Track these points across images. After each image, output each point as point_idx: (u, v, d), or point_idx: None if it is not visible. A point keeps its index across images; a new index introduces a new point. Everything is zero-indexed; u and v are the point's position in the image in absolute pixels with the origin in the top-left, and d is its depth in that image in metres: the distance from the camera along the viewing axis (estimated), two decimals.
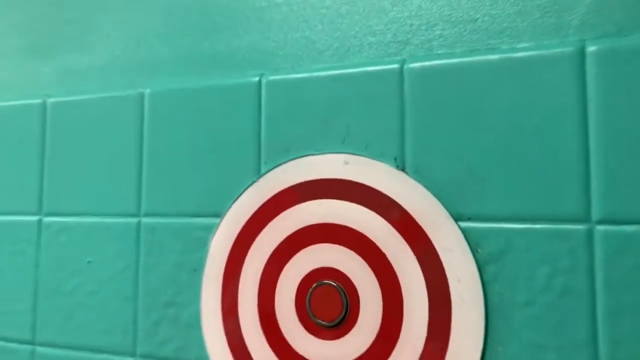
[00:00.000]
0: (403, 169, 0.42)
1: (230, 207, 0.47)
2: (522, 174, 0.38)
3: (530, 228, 0.38)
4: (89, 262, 0.53)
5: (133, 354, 0.50)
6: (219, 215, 0.47)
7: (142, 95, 0.52)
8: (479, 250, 0.39)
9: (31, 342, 0.55)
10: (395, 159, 0.42)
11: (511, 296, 0.38)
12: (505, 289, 0.38)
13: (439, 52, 0.42)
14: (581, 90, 0.37)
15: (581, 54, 0.37)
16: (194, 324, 0.47)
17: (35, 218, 0.56)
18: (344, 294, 0.42)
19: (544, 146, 0.38)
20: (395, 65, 0.42)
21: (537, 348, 0.37)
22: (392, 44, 0.44)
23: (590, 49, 0.37)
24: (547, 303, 0.37)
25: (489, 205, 0.39)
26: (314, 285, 0.43)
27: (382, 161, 0.42)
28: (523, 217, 0.38)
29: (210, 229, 0.48)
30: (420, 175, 0.41)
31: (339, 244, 0.43)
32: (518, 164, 0.38)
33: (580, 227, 0.36)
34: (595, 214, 0.36)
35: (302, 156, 0.45)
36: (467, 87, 0.40)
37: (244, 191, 0.47)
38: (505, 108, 0.39)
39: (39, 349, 0.54)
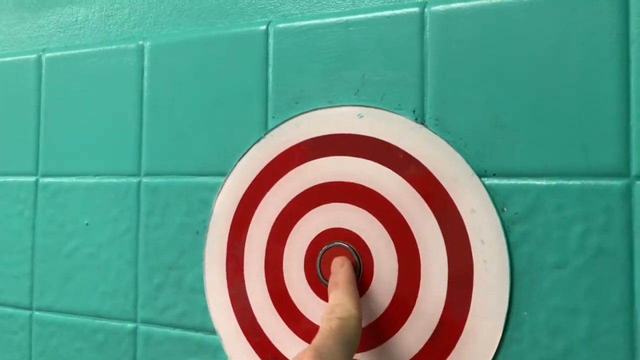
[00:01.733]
0: (422, 122, 0.38)
1: (236, 165, 0.44)
2: (554, 125, 0.35)
3: (562, 184, 0.34)
4: (87, 224, 0.50)
5: (134, 319, 0.48)
6: (224, 174, 0.44)
7: (141, 48, 0.49)
8: (505, 209, 0.36)
9: (29, 307, 0.53)
10: (413, 111, 0.38)
11: (540, 258, 0.35)
12: (533, 251, 0.35)
13: None
14: (623, 29, 0.33)
15: None
16: (198, 289, 0.45)
17: (32, 179, 0.54)
18: (357, 255, 0.39)
19: (579, 94, 0.34)
20: (416, 9, 0.39)
21: (568, 313, 0.34)
22: None
23: None
24: (580, 265, 0.34)
25: (517, 161, 0.36)
26: (324, 247, 0.40)
27: (399, 114, 0.39)
28: (554, 173, 0.35)
29: (215, 189, 0.45)
30: (441, 129, 0.38)
31: (352, 204, 0.40)
32: (549, 114, 0.35)
33: (617, 182, 0.33)
34: (635, 168, 0.33)
35: (312, 110, 0.42)
36: (494, 31, 0.37)
37: (250, 148, 0.44)
38: (536, 53, 0.36)
39: (37, 313, 0.52)
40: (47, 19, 0.56)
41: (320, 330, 0.32)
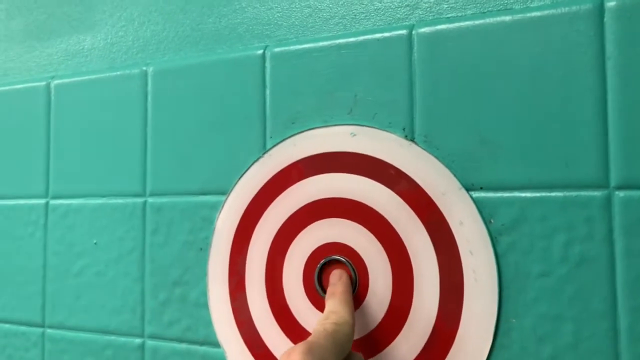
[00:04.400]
0: (412, 139, 0.40)
1: (236, 183, 0.46)
2: (536, 140, 0.36)
3: (545, 196, 0.36)
4: (95, 243, 0.52)
5: (141, 335, 0.49)
6: (225, 192, 0.46)
7: (145, 73, 0.51)
8: (492, 220, 0.37)
9: (41, 325, 0.55)
10: (404, 129, 0.40)
11: (526, 267, 0.36)
12: (519, 260, 0.36)
13: (449, 15, 0.40)
14: (599, 49, 0.35)
15: (599, 9, 0.35)
16: (202, 304, 0.47)
17: (42, 201, 0.56)
18: (353, 268, 0.41)
19: (560, 110, 0.36)
20: (404, 31, 0.41)
21: (553, 319, 0.35)
22: (399, 8, 0.42)
23: (610, 4, 0.35)
24: (564, 273, 0.35)
25: (502, 174, 0.37)
26: (322, 261, 0.42)
27: (390, 131, 0.41)
28: (538, 185, 0.36)
29: (217, 207, 0.47)
30: (430, 145, 0.39)
31: (347, 219, 0.42)
32: (532, 130, 0.37)
33: (598, 193, 0.35)
34: (614, 179, 0.34)
35: (308, 129, 0.44)
36: (478, 51, 0.38)
37: (249, 167, 0.46)
38: (518, 72, 0.37)
39: (49, 331, 0.54)
40: (55, 47, 0.58)
41: (314, 330, 0.33)
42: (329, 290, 0.40)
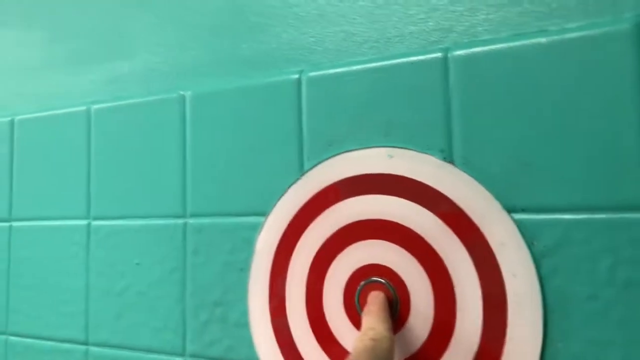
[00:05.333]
0: (451, 161, 0.40)
1: (275, 205, 0.47)
2: (579, 161, 0.36)
3: (589, 218, 0.36)
4: (137, 263, 0.54)
5: (182, 354, 0.50)
6: (264, 213, 0.47)
7: (183, 98, 0.52)
8: (535, 243, 0.37)
9: (85, 343, 0.56)
10: (442, 151, 0.40)
11: (571, 290, 0.36)
12: (564, 283, 0.36)
13: (484, 38, 0.41)
14: (637, 68, 0.35)
15: (638, 28, 0.35)
16: (243, 324, 0.47)
17: (84, 222, 0.57)
18: (394, 291, 0.41)
19: (601, 131, 0.36)
20: (439, 54, 0.41)
21: (601, 344, 0.35)
22: (434, 32, 0.42)
23: None
24: (611, 297, 0.35)
25: (544, 196, 0.37)
26: (362, 283, 0.42)
27: (428, 153, 0.41)
28: (581, 207, 0.36)
29: (256, 228, 0.47)
30: (469, 167, 0.40)
31: (386, 240, 0.42)
32: (574, 151, 0.36)
33: None
34: None
35: (344, 151, 0.44)
36: (515, 73, 0.38)
37: (287, 189, 0.46)
38: (557, 93, 0.37)
39: (92, 348, 0.56)
40: (94, 73, 0.60)
41: (354, 348, 0.34)
42: (365, 309, 0.40)
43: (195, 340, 0.50)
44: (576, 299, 0.36)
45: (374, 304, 0.40)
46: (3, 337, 0.62)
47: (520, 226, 0.38)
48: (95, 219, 0.57)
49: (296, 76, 0.47)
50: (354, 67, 0.44)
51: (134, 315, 0.53)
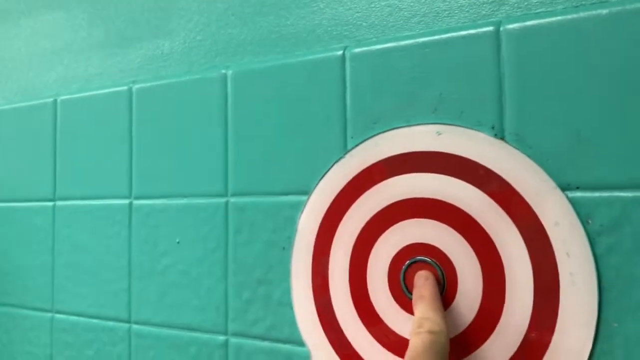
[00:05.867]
0: (502, 138, 0.39)
1: (318, 184, 0.46)
2: (636, 137, 0.35)
3: None
4: (178, 242, 0.54)
5: (225, 332, 0.51)
6: (307, 192, 0.47)
7: (224, 76, 0.52)
8: (590, 221, 0.36)
9: (128, 321, 0.57)
10: (493, 127, 0.39)
11: (629, 269, 0.35)
12: (621, 262, 0.35)
13: (538, 10, 0.39)
14: None
15: None
16: (286, 302, 0.47)
17: (126, 201, 0.58)
18: (441, 270, 0.41)
19: None
20: (490, 28, 0.40)
21: None
22: (485, 4, 0.41)
23: None
24: None
25: (600, 173, 0.36)
26: (407, 262, 0.42)
27: (478, 130, 0.40)
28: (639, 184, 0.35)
29: (299, 207, 0.47)
30: (522, 144, 0.38)
31: (433, 219, 0.41)
32: (632, 126, 0.35)
33: None
34: None
35: (390, 129, 0.44)
36: (570, 46, 0.37)
37: (330, 167, 0.46)
38: (614, 67, 0.36)
39: (135, 326, 0.56)
40: (135, 53, 0.60)
41: (412, 344, 0.33)
42: (415, 293, 0.39)
43: (238, 319, 0.50)
44: (634, 278, 0.34)
45: (425, 288, 0.39)
46: (49, 314, 0.63)
47: (575, 204, 0.36)
48: (137, 198, 0.57)
49: (340, 52, 0.46)
50: (401, 42, 0.43)
51: (176, 293, 0.54)
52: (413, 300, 0.39)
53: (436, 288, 0.39)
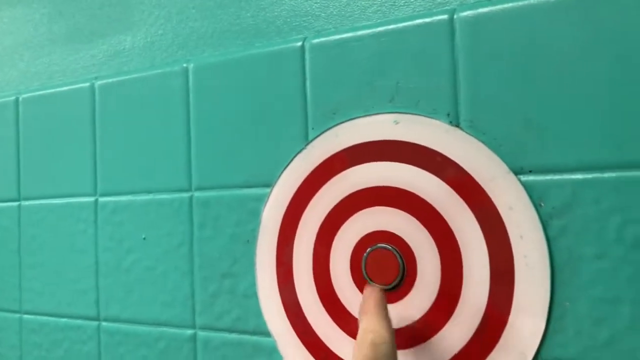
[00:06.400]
0: (457, 125, 0.40)
1: (280, 175, 0.47)
2: (586, 121, 0.36)
3: (598, 177, 0.35)
4: (144, 238, 0.54)
5: (193, 326, 0.51)
6: (270, 184, 0.47)
7: (186, 70, 0.52)
8: (542, 204, 0.37)
9: (96, 318, 0.57)
10: (448, 115, 0.40)
11: (579, 250, 0.36)
12: (572, 243, 0.36)
13: None
14: None
15: None
16: (251, 294, 0.48)
17: (91, 199, 0.58)
18: (400, 256, 0.41)
19: (609, 90, 0.35)
20: (444, 16, 0.40)
21: (610, 302, 0.35)
22: None
23: None
24: (620, 255, 0.34)
25: (552, 157, 0.37)
26: (368, 250, 0.42)
27: (434, 118, 0.40)
28: (589, 167, 0.35)
29: (262, 199, 0.47)
30: (476, 130, 0.39)
31: (393, 207, 0.42)
32: (581, 111, 0.36)
33: None
34: None
35: (349, 119, 0.44)
36: (522, 33, 0.38)
37: (292, 159, 0.46)
38: (564, 53, 0.37)
39: (104, 324, 0.56)
40: (98, 48, 0.60)
41: (353, 357, 0.33)
42: (360, 307, 0.39)
43: (205, 312, 0.50)
44: (585, 258, 0.35)
45: (370, 299, 0.38)
46: (17, 315, 0.63)
47: (528, 188, 0.37)
48: (102, 195, 0.57)
49: (299, 43, 0.46)
50: (359, 32, 0.44)
51: (143, 289, 0.54)
52: (358, 314, 0.38)
53: (382, 298, 0.38)
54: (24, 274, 0.62)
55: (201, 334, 0.50)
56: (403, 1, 0.43)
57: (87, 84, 0.59)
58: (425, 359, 0.40)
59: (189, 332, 0.51)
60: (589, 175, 0.36)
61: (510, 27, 0.38)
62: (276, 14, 0.49)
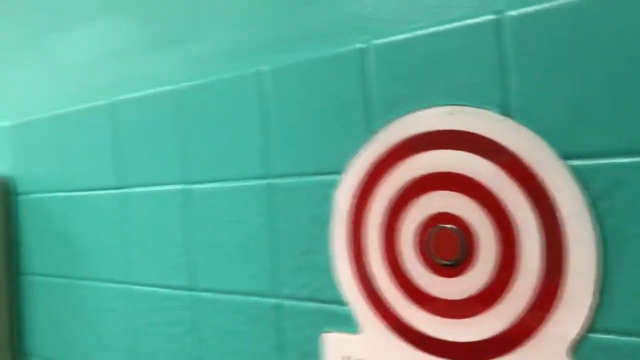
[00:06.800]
0: (508, 115, 0.44)
1: (351, 164, 0.52)
2: (629, 108, 0.39)
3: None
4: (231, 221, 0.61)
5: (278, 296, 0.58)
6: (341, 172, 0.53)
7: (262, 73, 0.58)
8: (589, 187, 0.41)
9: (193, 289, 0.65)
10: (499, 106, 0.44)
11: (626, 229, 0.39)
12: (619, 223, 0.39)
13: None
14: None
15: None
16: (328, 269, 0.54)
17: (184, 187, 0.66)
18: (462, 236, 0.46)
19: None
20: (492, 16, 0.44)
21: None
22: None
23: None
24: None
25: (598, 142, 0.40)
26: (432, 229, 0.48)
27: (486, 109, 0.45)
28: (633, 151, 0.39)
29: (334, 185, 0.53)
30: (526, 119, 0.43)
31: (453, 190, 0.47)
32: (623, 97, 0.39)
33: None
34: None
35: (409, 112, 0.49)
36: (568, 28, 0.41)
37: (361, 149, 0.52)
38: (610, 44, 0.39)
39: (200, 294, 0.65)
40: (179, 55, 0.67)
41: None
42: None
43: (288, 284, 0.57)
44: (631, 237, 0.39)
45: None
46: (127, 286, 0.73)
47: (575, 172, 0.41)
48: (193, 183, 0.65)
49: (363, 45, 0.51)
50: (415, 33, 0.48)
51: (233, 265, 0.62)
52: None
53: None
54: (134, 251, 0.72)
55: (285, 302, 0.58)
56: (455, 2, 0.47)
57: (171, 87, 0.66)
58: (487, 324, 0.45)
59: (274, 301, 0.58)
60: (633, 159, 0.39)
61: (556, 23, 0.41)
62: (340, 18, 0.54)
